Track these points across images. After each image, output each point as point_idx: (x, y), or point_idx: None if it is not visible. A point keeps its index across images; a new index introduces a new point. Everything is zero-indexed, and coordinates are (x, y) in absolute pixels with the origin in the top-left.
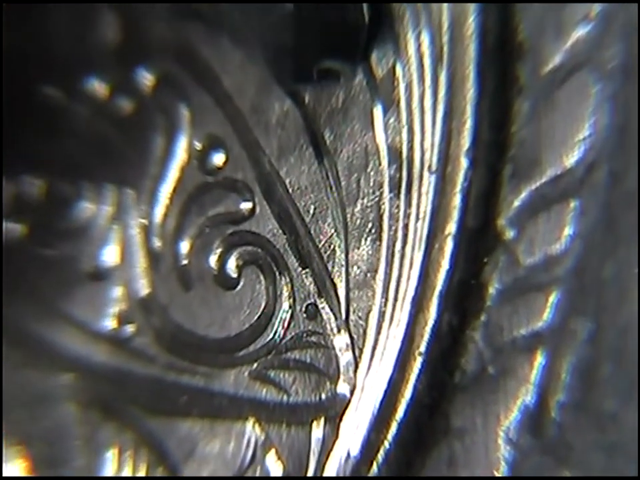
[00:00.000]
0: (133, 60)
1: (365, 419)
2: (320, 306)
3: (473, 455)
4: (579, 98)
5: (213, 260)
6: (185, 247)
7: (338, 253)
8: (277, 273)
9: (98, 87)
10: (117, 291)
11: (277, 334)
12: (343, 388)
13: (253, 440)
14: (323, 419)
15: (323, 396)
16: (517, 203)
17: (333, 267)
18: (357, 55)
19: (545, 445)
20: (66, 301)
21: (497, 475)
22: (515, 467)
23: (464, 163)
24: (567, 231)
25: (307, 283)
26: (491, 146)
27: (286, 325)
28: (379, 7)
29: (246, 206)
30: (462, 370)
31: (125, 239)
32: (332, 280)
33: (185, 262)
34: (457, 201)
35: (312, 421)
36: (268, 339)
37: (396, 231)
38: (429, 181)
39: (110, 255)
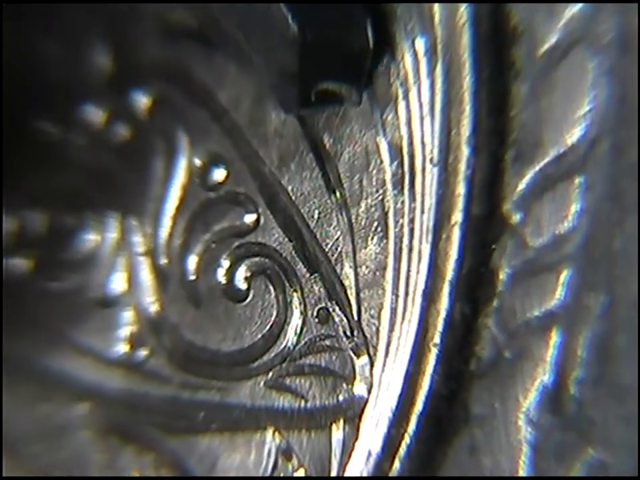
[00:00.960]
0: (127, 85)
1: (384, 415)
2: (331, 309)
3: (494, 440)
4: (577, 74)
5: (220, 274)
6: (192, 264)
7: (345, 254)
8: (286, 281)
9: (94, 114)
10: (127, 316)
11: (290, 341)
12: (359, 388)
13: (273, 449)
14: (342, 421)
15: (341, 398)
16: (521, 186)
17: (341, 269)
18: (361, 79)
19: (566, 422)
20: (77, 330)
21: (520, 458)
22: (537, 447)
23: (466, 151)
24: (574, 208)
25: (317, 288)
26: (492, 132)
27: (298, 331)
28: (383, 30)
29: (250, 218)
30: (478, 357)
31: (131, 264)
32: (341, 282)
33: (193, 279)
34: (461, 189)
35: (331, 424)
36: (281, 347)
37: (402, 226)
38: (432, 173)
39: (117, 281)
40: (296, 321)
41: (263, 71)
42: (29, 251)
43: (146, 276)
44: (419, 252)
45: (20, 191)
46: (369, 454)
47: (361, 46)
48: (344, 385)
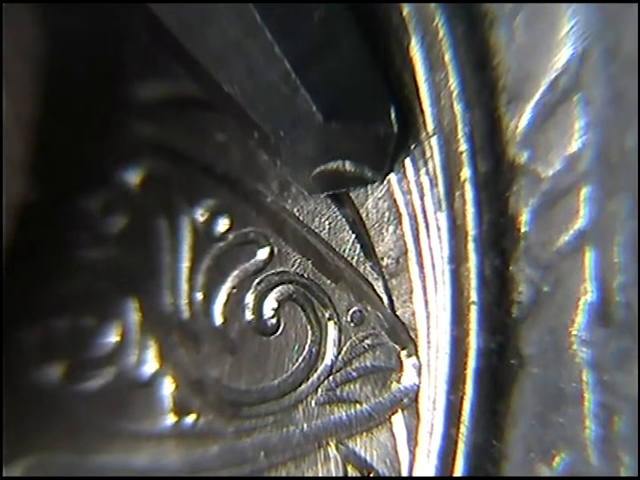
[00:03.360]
0: (116, 171)
1: (440, 387)
2: (363, 309)
3: (553, 372)
4: None
5: (248, 314)
6: (218, 315)
7: (365, 253)
8: (314, 299)
9: (90, 207)
10: (167, 387)
11: (332, 354)
12: (410, 374)
13: (340, 461)
14: (400, 411)
15: (394, 389)
16: (522, 125)
17: (364, 268)
18: (386, 164)
19: (619, 329)
20: (121, 419)
21: (583, 380)
22: (596, 364)
23: (459, 108)
24: (578, 125)
25: (345, 294)
26: (480, 85)
27: (337, 342)
28: (406, 117)
29: (264, 252)
30: (518, 303)
31: (159, 336)
32: (367, 281)
33: (222, 328)
34: (463, 146)
35: (390, 417)
36: (324, 363)
37: (413, 206)
38: (431, 144)
39: (150, 358)
40: (332, 333)
41: (289, 158)
42: (58, 358)
43: (176, 342)
44: (436, 222)
45: (39, 302)
46: (432, 430)
47: (386, 132)
48: (394, 376)
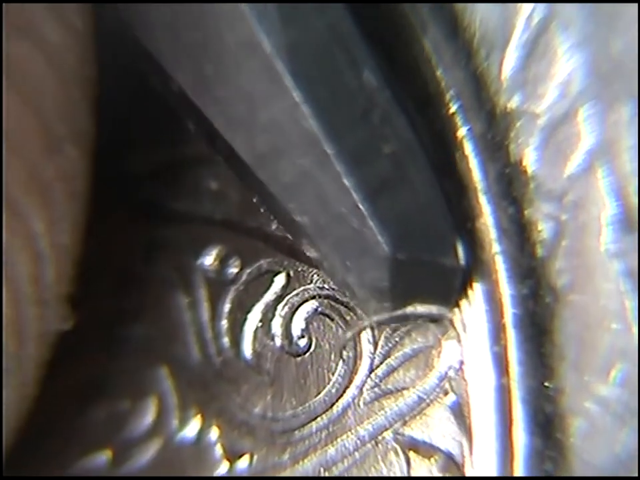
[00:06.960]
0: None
1: (482, 344)
2: None
3: (591, 293)
4: None
5: (278, 342)
6: (249, 353)
7: None
8: (340, 306)
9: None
10: (215, 437)
11: (369, 352)
12: (449, 346)
13: (400, 451)
14: (448, 384)
15: (436, 365)
16: (506, 71)
17: None
18: (452, 298)
19: None
20: None
21: (622, 292)
22: (630, 271)
23: (440, 73)
24: (562, 50)
25: None
26: (456, 49)
27: (371, 339)
28: (474, 250)
29: (281, 278)
30: (541, 242)
31: (197, 393)
32: None
33: (257, 365)
34: (453, 107)
35: (439, 394)
36: (363, 363)
37: None
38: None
39: (193, 417)
40: (367, 334)
41: (356, 289)
42: (100, 447)
43: (214, 393)
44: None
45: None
46: (483, 387)
47: (452, 266)
48: (434, 353)
